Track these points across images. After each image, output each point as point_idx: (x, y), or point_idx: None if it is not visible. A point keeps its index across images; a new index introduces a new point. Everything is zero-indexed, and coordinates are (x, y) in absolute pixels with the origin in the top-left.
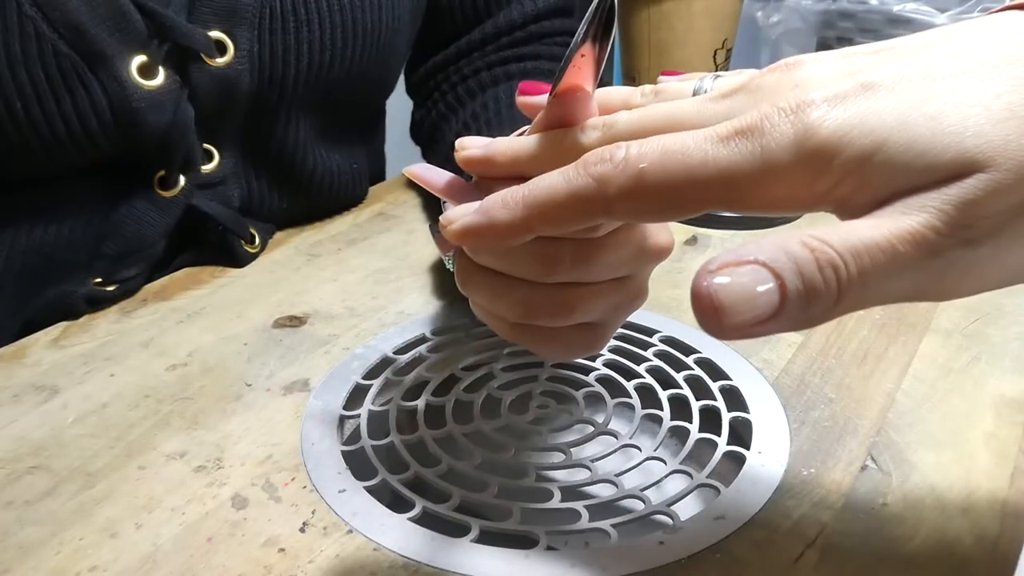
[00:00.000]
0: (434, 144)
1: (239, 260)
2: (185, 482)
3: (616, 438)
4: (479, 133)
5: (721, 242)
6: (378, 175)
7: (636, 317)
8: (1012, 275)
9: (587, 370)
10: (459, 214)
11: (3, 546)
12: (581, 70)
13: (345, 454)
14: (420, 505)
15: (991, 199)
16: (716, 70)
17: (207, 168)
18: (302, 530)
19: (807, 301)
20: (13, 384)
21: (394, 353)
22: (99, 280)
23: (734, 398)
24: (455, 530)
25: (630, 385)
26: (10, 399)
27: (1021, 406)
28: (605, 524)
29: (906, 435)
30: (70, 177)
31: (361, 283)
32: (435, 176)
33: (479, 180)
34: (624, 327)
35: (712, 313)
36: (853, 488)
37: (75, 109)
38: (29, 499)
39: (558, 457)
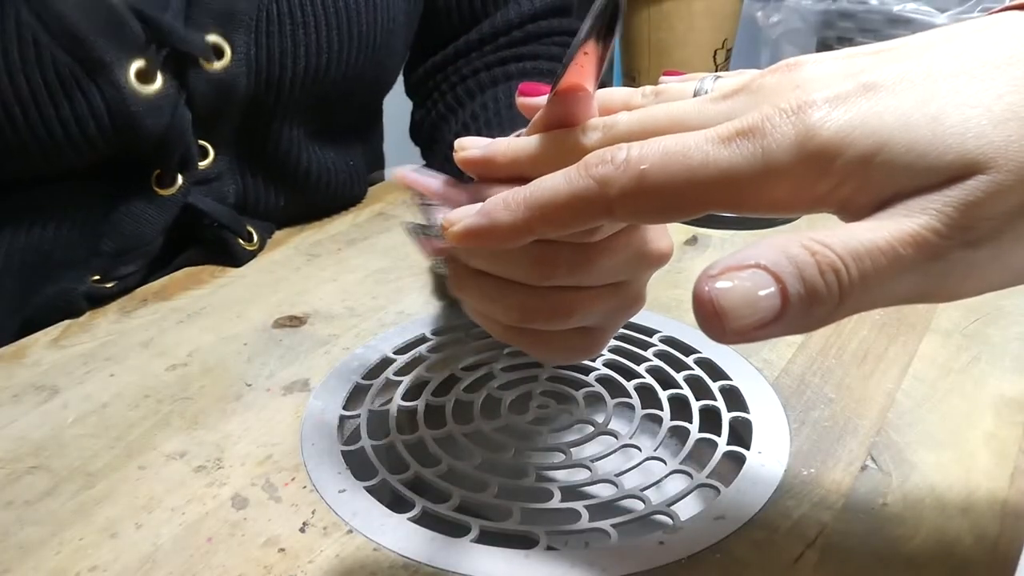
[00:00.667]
0: (433, 144)
1: (237, 259)
2: (185, 482)
3: (616, 438)
4: (478, 133)
5: (721, 242)
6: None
7: (636, 317)
8: (1014, 276)
9: (587, 370)
10: (460, 216)
11: (3, 546)
12: (583, 69)
13: (345, 454)
14: (420, 505)
15: (992, 200)
16: (716, 70)
17: (203, 164)
18: (302, 530)
19: (809, 305)
20: (13, 384)
21: (394, 353)
22: (97, 277)
23: (734, 398)
24: (455, 530)
25: (630, 385)
26: (10, 399)
27: (1021, 406)
28: (605, 524)
29: (906, 435)
30: (68, 177)
31: (361, 283)
32: (428, 180)
33: (478, 183)
34: (624, 327)
35: (714, 317)
36: (853, 488)
37: (73, 114)
38: (29, 499)
39: (558, 457)
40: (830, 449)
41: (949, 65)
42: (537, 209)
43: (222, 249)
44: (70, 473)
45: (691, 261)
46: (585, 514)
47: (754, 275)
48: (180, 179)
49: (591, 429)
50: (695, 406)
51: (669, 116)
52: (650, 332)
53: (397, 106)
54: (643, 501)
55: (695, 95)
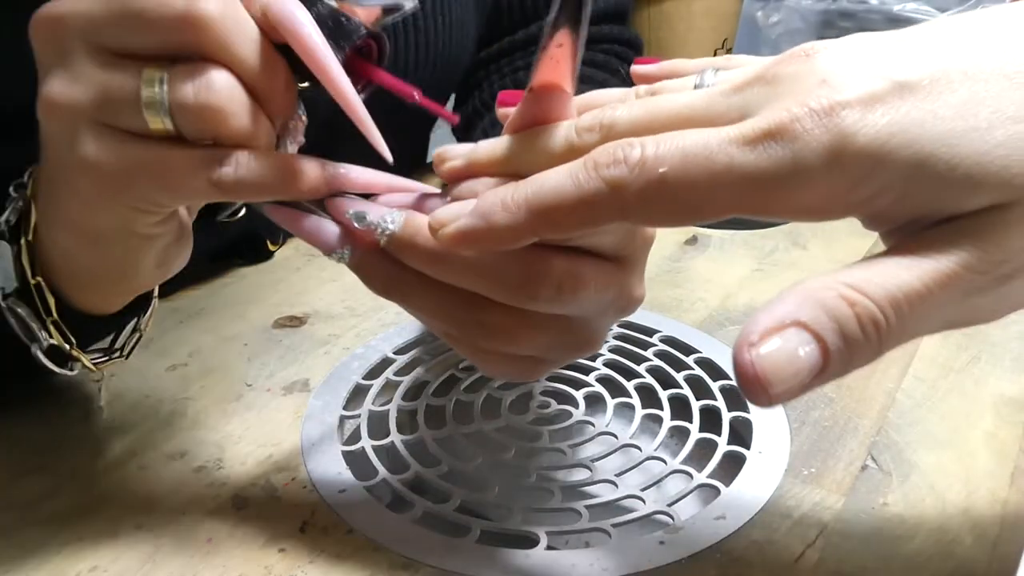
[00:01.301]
0: (466, 141)
1: (260, 258)
2: (185, 482)
3: (616, 438)
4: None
5: (721, 242)
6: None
7: (636, 317)
8: None
9: (587, 370)
10: (451, 216)
11: (4, 546)
12: (559, 64)
13: (345, 454)
14: (420, 505)
15: None
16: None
17: None
18: (302, 530)
19: (849, 357)
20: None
21: (394, 353)
22: None
23: (734, 398)
24: (456, 530)
25: (630, 385)
26: (11, 399)
27: (1021, 405)
28: (605, 524)
29: (906, 435)
30: None
31: (361, 283)
32: (401, 197)
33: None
34: (624, 327)
35: (758, 387)
36: (853, 488)
37: None
38: (30, 499)
39: (558, 457)
40: (830, 449)
41: (987, 63)
42: (540, 211)
43: (247, 251)
44: (71, 473)
45: (691, 261)
46: (585, 514)
47: (793, 335)
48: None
49: (591, 429)
50: (695, 406)
51: (674, 111)
52: (650, 332)
53: None
54: (643, 501)
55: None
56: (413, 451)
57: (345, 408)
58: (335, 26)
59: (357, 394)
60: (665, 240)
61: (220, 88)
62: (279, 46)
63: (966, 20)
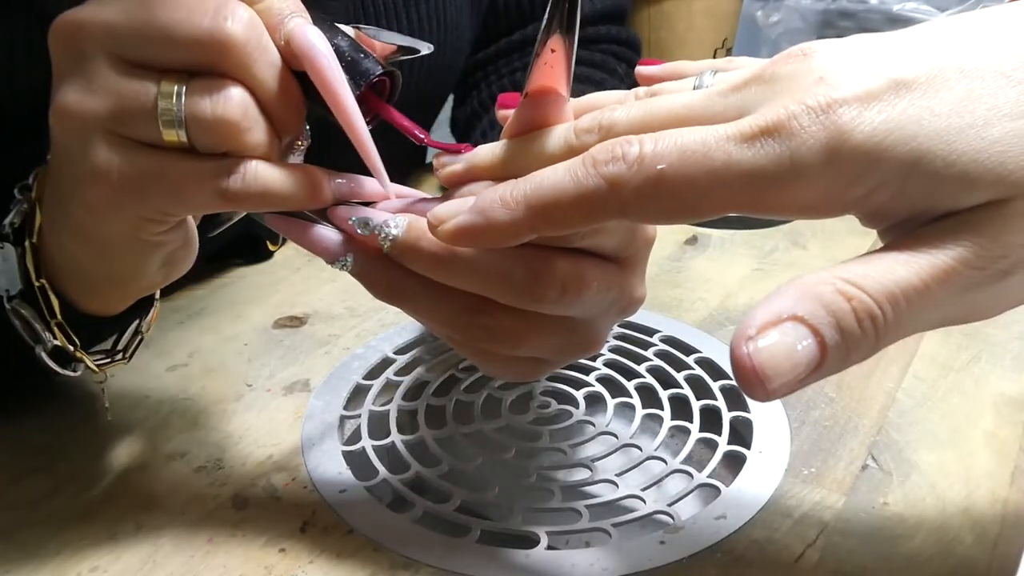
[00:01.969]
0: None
1: (261, 260)
2: (186, 483)
3: (616, 438)
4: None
5: (721, 242)
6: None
7: (636, 317)
8: None
9: (587, 370)
10: (450, 213)
11: (4, 546)
12: (553, 69)
13: (346, 454)
14: (421, 505)
15: None
16: None
17: None
18: (302, 530)
19: (847, 352)
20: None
21: (394, 353)
22: None
23: (735, 397)
24: (456, 530)
25: (630, 385)
26: (11, 399)
27: (1021, 405)
28: (605, 524)
29: (906, 434)
30: None
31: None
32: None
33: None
34: (624, 327)
35: (756, 380)
36: (853, 488)
37: None
38: (30, 499)
39: (558, 457)
40: (830, 448)
41: (984, 61)
42: (539, 208)
43: (247, 251)
44: (71, 473)
45: (691, 260)
46: (585, 514)
47: (791, 329)
48: None
49: (591, 429)
50: (695, 406)
51: (672, 112)
52: (650, 332)
53: None
54: (643, 501)
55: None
56: (413, 451)
57: (345, 408)
58: (352, 60)
59: (357, 394)
60: (665, 240)
61: (237, 104)
62: (294, 70)
63: (963, 19)
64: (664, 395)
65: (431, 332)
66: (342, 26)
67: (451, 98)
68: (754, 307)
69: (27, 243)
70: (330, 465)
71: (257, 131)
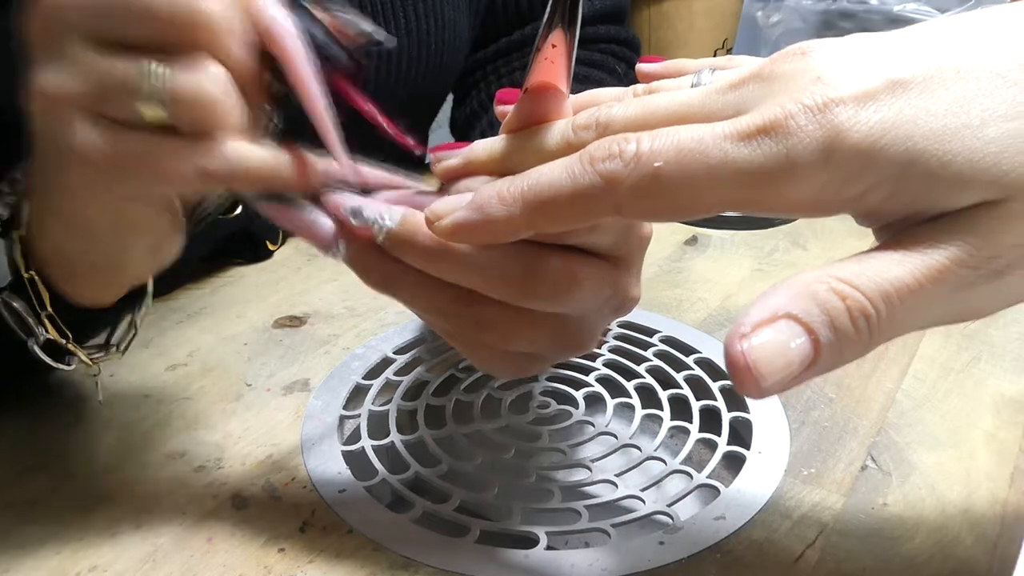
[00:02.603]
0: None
1: (260, 259)
2: (185, 482)
3: (616, 438)
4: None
5: (721, 242)
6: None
7: (636, 317)
8: None
9: (587, 370)
10: (447, 208)
11: (3, 546)
12: (553, 64)
13: (345, 454)
14: (420, 505)
15: (1021, 227)
16: None
17: None
18: (302, 530)
19: (840, 351)
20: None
21: (394, 353)
22: None
23: (734, 398)
24: (455, 530)
25: (630, 385)
26: (10, 398)
27: (1021, 406)
28: (605, 524)
29: (906, 435)
30: None
31: (361, 283)
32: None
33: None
34: (624, 327)
35: (749, 378)
36: (853, 488)
37: None
38: (30, 499)
39: (558, 457)
40: (830, 449)
41: (980, 61)
42: (536, 205)
43: (247, 250)
44: (70, 473)
45: (691, 261)
46: (585, 514)
47: (785, 327)
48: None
49: (591, 429)
50: (695, 406)
51: (670, 110)
52: (650, 332)
53: None
54: (643, 501)
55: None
56: (413, 451)
57: (345, 408)
58: (323, 45)
59: (357, 394)
60: (665, 240)
61: (217, 81)
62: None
63: (960, 20)
64: (664, 395)
65: (430, 331)
66: (314, 10)
67: (450, 98)
68: (749, 305)
69: (15, 235)
70: (330, 465)
71: (236, 108)
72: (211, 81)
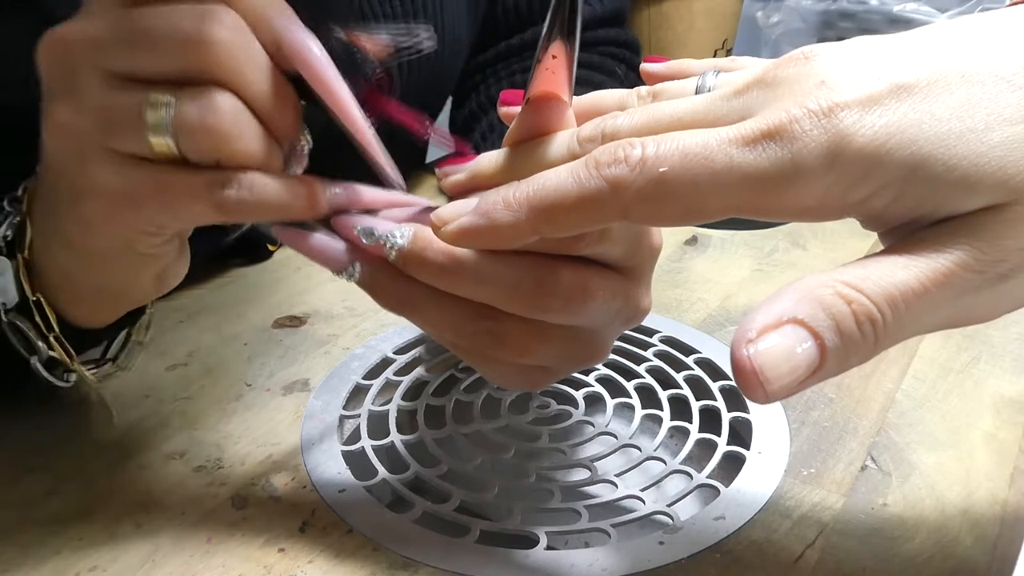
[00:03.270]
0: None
1: (260, 258)
2: (185, 482)
3: (616, 438)
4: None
5: (721, 242)
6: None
7: None
8: None
9: (587, 370)
10: (453, 214)
11: (3, 546)
12: (555, 75)
13: (345, 454)
14: (420, 505)
15: None
16: None
17: None
18: (302, 530)
19: (846, 355)
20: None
21: (394, 353)
22: None
23: (734, 398)
24: (455, 530)
25: (630, 385)
26: (11, 399)
27: (1021, 406)
28: (605, 524)
29: (906, 435)
30: None
31: None
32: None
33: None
34: None
35: (756, 383)
36: (853, 488)
37: None
38: (29, 499)
39: (558, 457)
40: (830, 449)
41: (985, 65)
42: (542, 210)
43: (247, 251)
44: (70, 473)
45: (691, 261)
46: (585, 514)
47: (791, 332)
48: None
49: (591, 429)
50: (695, 406)
51: (675, 118)
52: (650, 332)
53: None
54: (643, 501)
55: (697, 93)
56: (413, 451)
57: (345, 408)
58: (348, 61)
59: (357, 394)
60: (665, 240)
61: (225, 111)
62: (286, 71)
63: (964, 24)
64: (664, 395)
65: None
66: (333, 27)
67: (449, 100)
68: (754, 309)
69: (19, 257)
70: (329, 465)
71: (249, 139)
72: (219, 112)
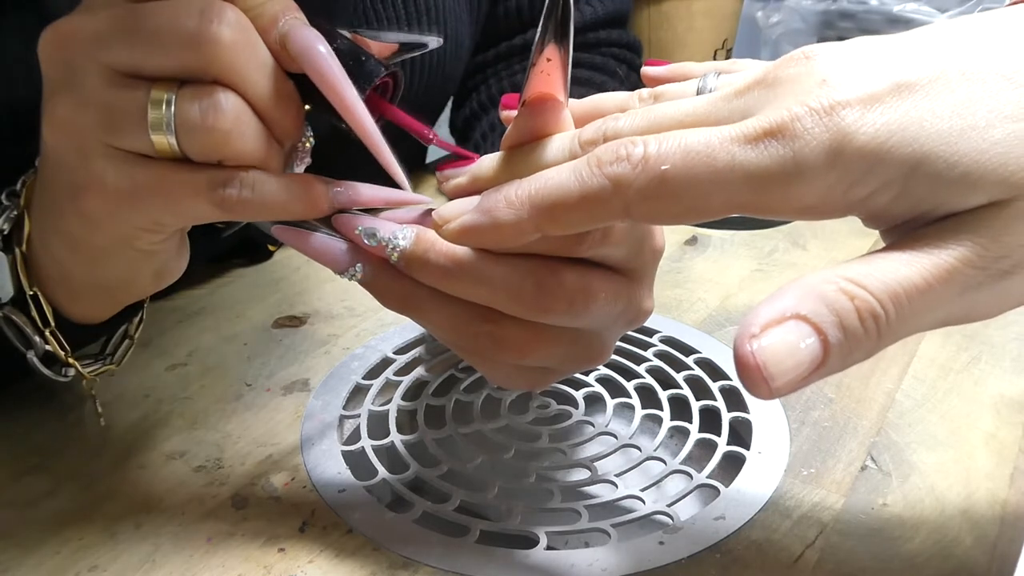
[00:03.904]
0: (464, 143)
1: (261, 259)
2: (185, 482)
3: (616, 438)
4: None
5: (721, 242)
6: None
7: None
8: None
9: (587, 370)
10: (455, 212)
11: (3, 546)
12: (550, 76)
13: (345, 454)
14: (420, 505)
15: None
16: None
17: None
18: (302, 530)
19: (849, 351)
20: (14, 384)
21: (394, 353)
22: None
23: (734, 398)
24: (455, 530)
25: (630, 385)
26: (11, 399)
27: (1021, 406)
28: (605, 524)
29: (906, 435)
30: None
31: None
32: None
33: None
34: None
35: (759, 378)
36: (853, 488)
37: None
38: (29, 499)
39: (558, 457)
40: (830, 449)
41: (985, 63)
42: (543, 208)
43: (247, 251)
44: (70, 473)
45: (691, 261)
46: (585, 514)
47: (794, 327)
48: None
49: (591, 429)
50: (695, 406)
51: (676, 119)
52: (650, 332)
53: None
54: (643, 501)
55: (698, 95)
56: (413, 451)
57: (345, 408)
58: (354, 62)
59: (357, 394)
60: (665, 240)
61: (227, 110)
62: (293, 74)
63: (964, 23)
64: (663, 395)
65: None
66: (338, 29)
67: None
68: (757, 306)
69: (17, 251)
70: (329, 465)
71: (251, 139)
72: (220, 110)
